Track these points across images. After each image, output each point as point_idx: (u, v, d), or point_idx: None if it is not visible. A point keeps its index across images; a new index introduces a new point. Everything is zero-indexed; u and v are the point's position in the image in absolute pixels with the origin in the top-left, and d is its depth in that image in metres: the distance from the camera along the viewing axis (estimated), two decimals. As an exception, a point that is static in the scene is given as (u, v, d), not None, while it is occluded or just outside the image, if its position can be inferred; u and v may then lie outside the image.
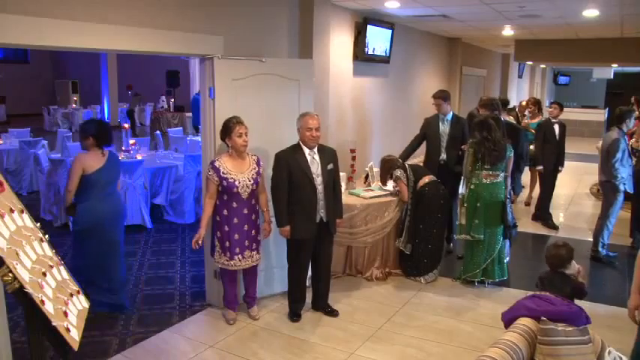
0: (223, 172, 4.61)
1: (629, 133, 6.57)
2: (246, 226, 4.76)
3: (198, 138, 9.39)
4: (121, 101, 22.35)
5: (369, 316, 5.14)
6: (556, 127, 8.16)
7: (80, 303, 2.88)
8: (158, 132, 13.15)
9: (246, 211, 4.74)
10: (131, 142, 9.01)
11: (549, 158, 8.13)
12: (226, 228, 4.71)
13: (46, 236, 2.87)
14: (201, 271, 5.79)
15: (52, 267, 2.73)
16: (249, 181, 4.69)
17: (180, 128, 14.74)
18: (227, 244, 4.72)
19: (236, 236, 4.72)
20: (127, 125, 10.56)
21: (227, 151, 4.74)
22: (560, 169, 8.40)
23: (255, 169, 4.76)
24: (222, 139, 4.72)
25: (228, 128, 4.62)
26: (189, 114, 16.77)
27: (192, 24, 4.70)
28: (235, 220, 4.70)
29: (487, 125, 5.72)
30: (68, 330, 2.52)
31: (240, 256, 4.76)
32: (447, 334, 4.83)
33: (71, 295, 2.80)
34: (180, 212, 8.21)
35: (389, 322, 5.03)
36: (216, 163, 4.64)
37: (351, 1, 6.77)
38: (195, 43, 4.74)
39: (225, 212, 4.70)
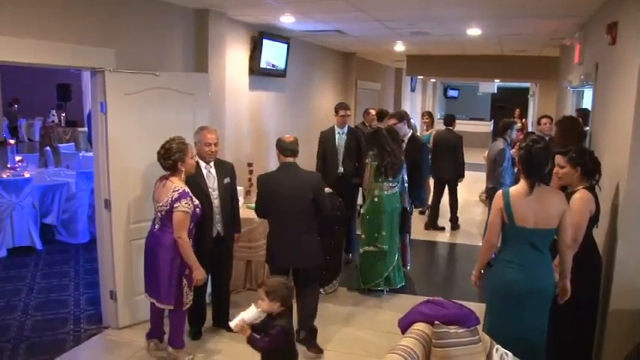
0: (194, 201, 4.30)
1: (514, 144, 7.12)
2: None
3: (92, 154, 9.06)
4: (5, 116, 21.03)
5: (271, 329, 5.13)
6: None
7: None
8: (48, 148, 12.54)
9: None
10: (17, 158, 8.50)
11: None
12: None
13: None
14: (96, 293, 5.54)
15: None
16: None
17: (73, 144, 14.10)
18: (192, 275, 4.40)
19: None
20: (12, 141, 9.96)
21: (178, 176, 4.34)
22: (460, 180, 8.99)
23: None
24: (174, 164, 4.29)
25: (182, 151, 4.29)
26: (83, 129, 16.12)
27: (82, 36, 4.55)
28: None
29: (383, 136, 5.88)
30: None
31: None
32: (348, 343, 4.92)
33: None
34: (74, 232, 7.85)
35: (291, 334, 5.05)
36: (188, 190, 4.26)
37: (246, 15, 6.80)
38: (85, 55, 4.58)
39: (190, 242, 4.35)
